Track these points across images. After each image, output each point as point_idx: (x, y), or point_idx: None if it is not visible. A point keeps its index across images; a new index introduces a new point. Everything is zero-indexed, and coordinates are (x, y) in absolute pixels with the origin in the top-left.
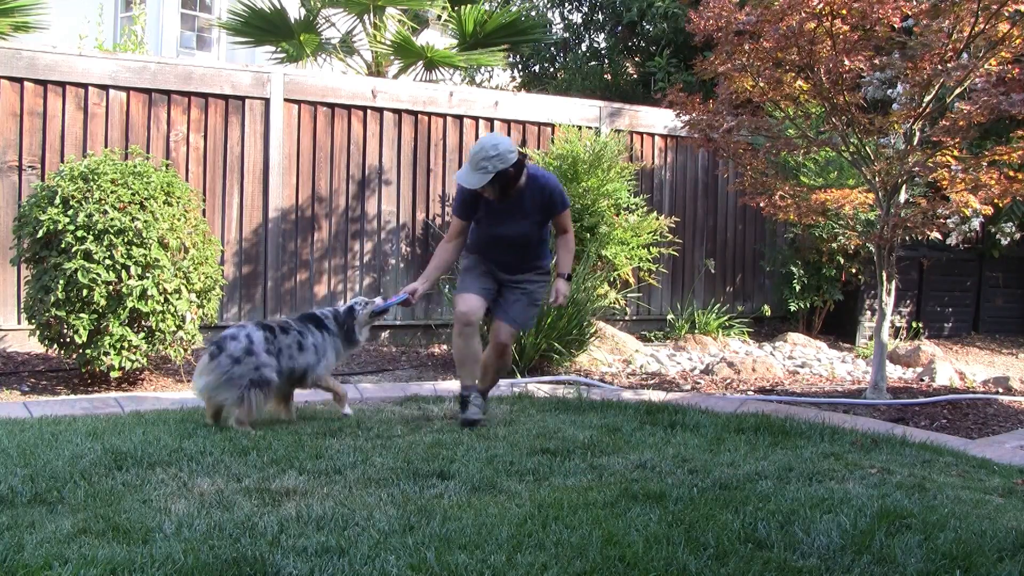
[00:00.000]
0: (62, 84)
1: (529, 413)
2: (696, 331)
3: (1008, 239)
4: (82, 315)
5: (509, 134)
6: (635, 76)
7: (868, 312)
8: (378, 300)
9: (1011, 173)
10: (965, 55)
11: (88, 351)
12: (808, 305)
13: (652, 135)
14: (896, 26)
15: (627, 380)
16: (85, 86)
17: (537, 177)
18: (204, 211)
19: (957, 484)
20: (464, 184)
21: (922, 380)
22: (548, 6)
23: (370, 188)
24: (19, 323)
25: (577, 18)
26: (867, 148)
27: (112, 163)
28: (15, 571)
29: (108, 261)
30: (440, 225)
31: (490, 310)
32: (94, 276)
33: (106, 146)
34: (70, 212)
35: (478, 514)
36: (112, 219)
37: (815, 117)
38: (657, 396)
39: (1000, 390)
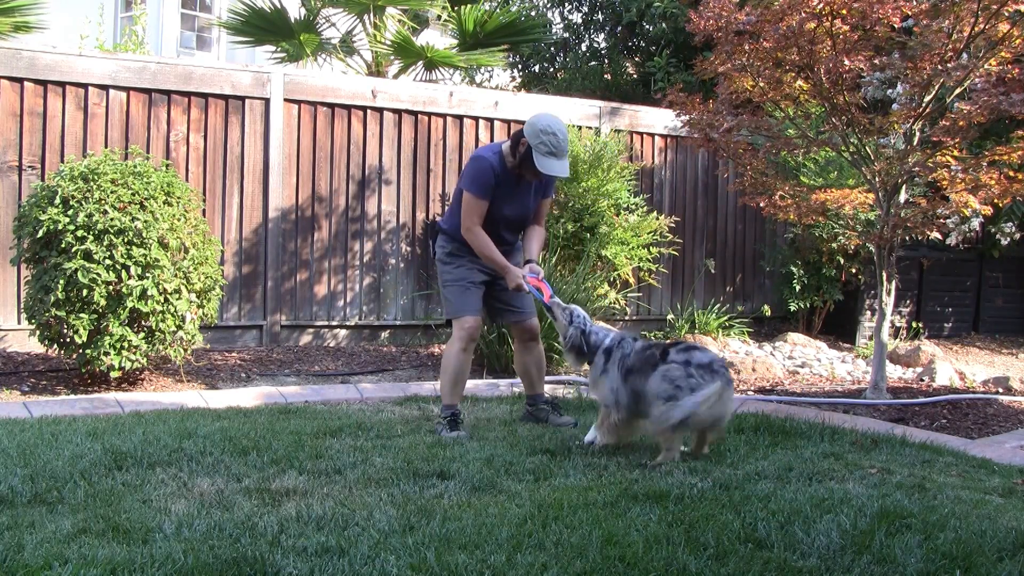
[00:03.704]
0: (62, 84)
1: None
2: (696, 331)
3: (1008, 239)
4: (82, 315)
5: (509, 134)
6: (635, 76)
7: (868, 312)
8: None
9: (1011, 173)
10: (965, 55)
11: (88, 351)
12: (808, 305)
13: (652, 135)
14: (896, 26)
15: None
16: (85, 86)
17: None
18: (204, 211)
19: (957, 484)
20: (562, 175)
21: (922, 380)
22: (548, 6)
23: (370, 188)
24: (19, 323)
25: (577, 18)
26: (867, 148)
27: (112, 163)
28: (15, 571)
29: (108, 261)
30: None
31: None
32: (94, 276)
33: (106, 146)
34: (70, 212)
35: (478, 514)
36: (112, 219)
37: (815, 117)
38: None
39: (1000, 390)
